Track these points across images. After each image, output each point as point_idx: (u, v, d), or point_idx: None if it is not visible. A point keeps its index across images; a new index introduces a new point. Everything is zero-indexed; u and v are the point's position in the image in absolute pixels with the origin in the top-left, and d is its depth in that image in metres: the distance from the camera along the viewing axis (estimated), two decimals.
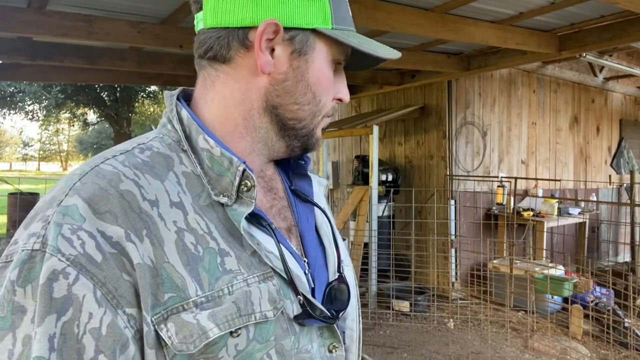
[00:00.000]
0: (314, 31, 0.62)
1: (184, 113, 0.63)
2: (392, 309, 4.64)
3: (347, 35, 0.63)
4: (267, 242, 0.60)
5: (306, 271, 0.65)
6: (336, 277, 0.68)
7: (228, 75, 0.63)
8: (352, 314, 0.71)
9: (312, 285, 0.65)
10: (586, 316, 4.10)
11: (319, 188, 0.79)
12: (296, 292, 0.59)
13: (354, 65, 0.71)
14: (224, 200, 0.58)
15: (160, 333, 0.51)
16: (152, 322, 0.50)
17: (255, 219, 0.60)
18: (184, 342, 0.51)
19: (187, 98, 0.68)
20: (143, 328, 0.50)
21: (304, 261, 0.66)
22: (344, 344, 0.69)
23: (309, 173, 0.76)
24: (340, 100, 0.69)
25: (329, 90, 0.66)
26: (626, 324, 3.92)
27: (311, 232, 0.71)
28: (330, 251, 0.71)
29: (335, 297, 0.66)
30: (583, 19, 3.71)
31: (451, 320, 4.40)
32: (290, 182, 0.74)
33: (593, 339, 4.06)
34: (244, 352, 0.54)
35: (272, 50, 0.61)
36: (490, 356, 3.74)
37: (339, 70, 0.68)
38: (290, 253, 0.63)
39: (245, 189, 0.59)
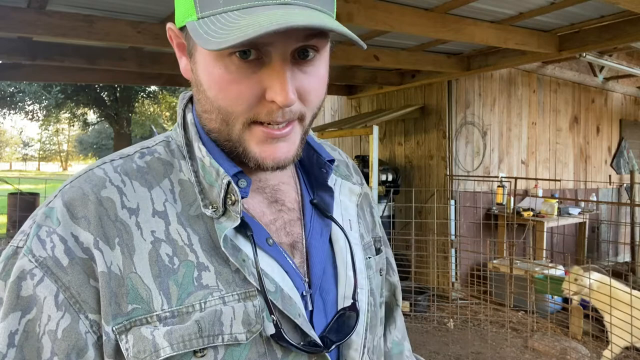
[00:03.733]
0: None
1: (190, 117, 0.60)
2: None
3: (212, 22, 0.48)
4: (246, 258, 0.55)
5: (304, 292, 0.60)
6: (349, 304, 0.62)
7: None
8: (357, 343, 0.62)
9: (310, 308, 0.60)
10: (586, 316, 4.10)
11: (350, 197, 0.69)
12: (271, 311, 0.53)
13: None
14: (209, 212, 0.55)
15: (120, 344, 0.50)
16: (113, 331, 0.50)
17: (245, 229, 0.56)
18: (136, 357, 0.49)
19: None
20: (102, 336, 0.50)
21: (305, 281, 0.61)
22: None
23: (331, 184, 0.67)
24: (274, 102, 0.51)
25: (227, 93, 0.51)
26: None
27: (322, 249, 0.63)
28: (343, 272, 0.64)
29: (344, 323, 0.61)
30: (583, 19, 3.71)
31: (451, 320, 4.40)
32: (312, 194, 0.67)
33: (593, 339, 4.06)
34: None
35: (190, 55, 0.56)
36: (490, 356, 3.74)
37: (267, 63, 0.51)
38: (286, 271, 0.58)
39: (230, 202, 0.55)
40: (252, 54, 0.50)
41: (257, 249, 0.56)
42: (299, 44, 0.50)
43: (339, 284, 0.63)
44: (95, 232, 0.51)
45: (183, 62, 0.58)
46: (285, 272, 0.58)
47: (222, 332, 0.52)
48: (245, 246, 0.56)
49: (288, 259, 0.60)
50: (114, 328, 0.50)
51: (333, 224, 0.65)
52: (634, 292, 3.25)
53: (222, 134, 0.55)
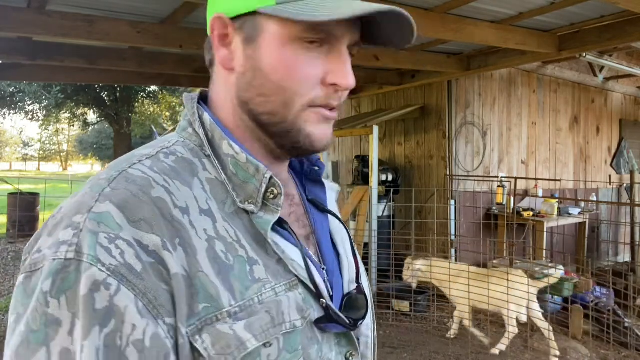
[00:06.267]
0: (259, 13, 0.57)
1: (206, 117, 0.61)
2: (392, 309, 4.63)
3: (295, 6, 0.54)
4: (289, 250, 0.59)
5: (325, 279, 0.64)
6: (354, 287, 0.67)
7: (216, 75, 0.63)
8: (367, 321, 0.69)
9: (331, 294, 0.64)
10: (586, 316, 4.10)
11: (331, 194, 0.76)
12: (320, 296, 0.58)
13: (381, 38, 0.61)
14: (250, 207, 0.57)
15: (195, 345, 0.49)
16: (187, 333, 0.49)
17: (279, 225, 0.59)
18: (221, 354, 0.50)
19: (204, 100, 0.66)
20: (178, 339, 0.49)
21: (323, 269, 0.65)
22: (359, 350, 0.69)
23: (322, 179, 0.74)
24: (335, 84, 0.58)
25: (295, 75, 0.57)
26: (626, 324, 3.93)
27: (327, 239, 0.69)
28: (346, 259, 0.69)
29: (352, 306, 0.65)
30: (583, 19, 3.71)
31: (451, 320, 4.40)
32: (304, 189, 0.72)
33: (593, 339, 4.06)
34: None
35: (230, 44, 0.60)
36: (491, 356, 3.74)
37: (331, 49, 0.58)
38: (311, 262, 0.62)
39: (271, 196, 0.58)
40: (316, 42, 0.56)
41: (286, 242, 0.59)
42: (354, 41, 0.59)
43: (343, 270, 0.68)
44: (160, 233, 0.50)
45: (222, 53, 0.60)
46: (310, 262, 0.62)
47: (284, 320, 0.54)
48: (279, 240, 0.59)
49: (307, 250, 0.64)
50: (187, 330, 0.49)
51: (329, 217, 0.71)
52: (456, 265, 4.08)
53: (278, 116, 0.59)
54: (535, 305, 3.76)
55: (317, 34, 0.56)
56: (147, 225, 0.49)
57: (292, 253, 0.59)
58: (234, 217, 0.57)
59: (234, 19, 0.58)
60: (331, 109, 0.60)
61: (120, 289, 0.46)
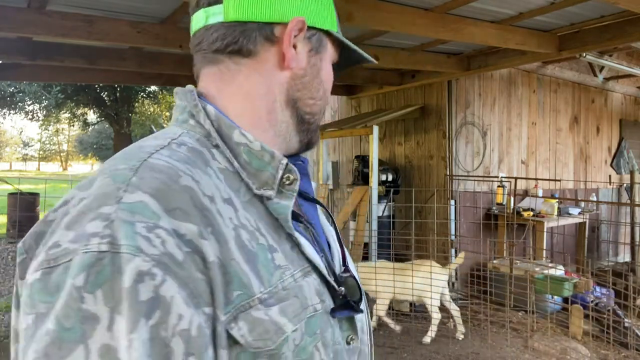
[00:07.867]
0: (326, 33, 0.68)
1: (210, 108, 0.61)
2: (392, 309, 4.63)
3: (346, 42, 0.70)
4: (301, 237, 0.60)
5: (327, 266, 0.66)
6: (342, 269, 0.69)
7: (251, 68, 0.64)
8: (362, 306, 0.72)
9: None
10: (586, 316, 4.10)
11: (317, 192, 0.80)
12: (338, 284, 0.61)
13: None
14: (267, 193, 0.59)
15: (231, 332, 0.49)
16: (224, 321, 0.49)
17: (293, 217, 0.61)
18: (260, 339, 0.50)
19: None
20: (217, 328, 0.49)
21: (322, 256, 0.67)
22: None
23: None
24: None
25: (330, 89, 0.72)
26: (626, 324, 3.93)
27: (319, 229, 0.71)
28: (335, 246, 0.73)
29: (348, 289, 0.66)
30: (583, 19, 3.71)
31: (451, 320, 4.40)
32: None
33: (593, 339, 4.06)
34: (299, 346, 0.54)
35: (294, 46, 0.65)
36: (490, 356, 3.74)
37: None
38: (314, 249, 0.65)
39: (287, 182, 0.60)
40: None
41: (294, 229, 0.60)
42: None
43: (334, 259, 0.71)
44: (196, 221, 0.49)
45: (292, 52, 0.64)
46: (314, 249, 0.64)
47: (307, 304, 0.56)
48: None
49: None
50: (224, 318, 0.49)
51: (317, 208, 0.75)
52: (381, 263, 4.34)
53: (316, 116, 0.70)
54: (446, 290, 4.17)
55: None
56: (183, 214, 0.48)
57: (303, 241, 0.60)
58: (249, 205, 0.58)
59: (309, 28, 0.65)
60: None
61: (165, 279, 0.45)
